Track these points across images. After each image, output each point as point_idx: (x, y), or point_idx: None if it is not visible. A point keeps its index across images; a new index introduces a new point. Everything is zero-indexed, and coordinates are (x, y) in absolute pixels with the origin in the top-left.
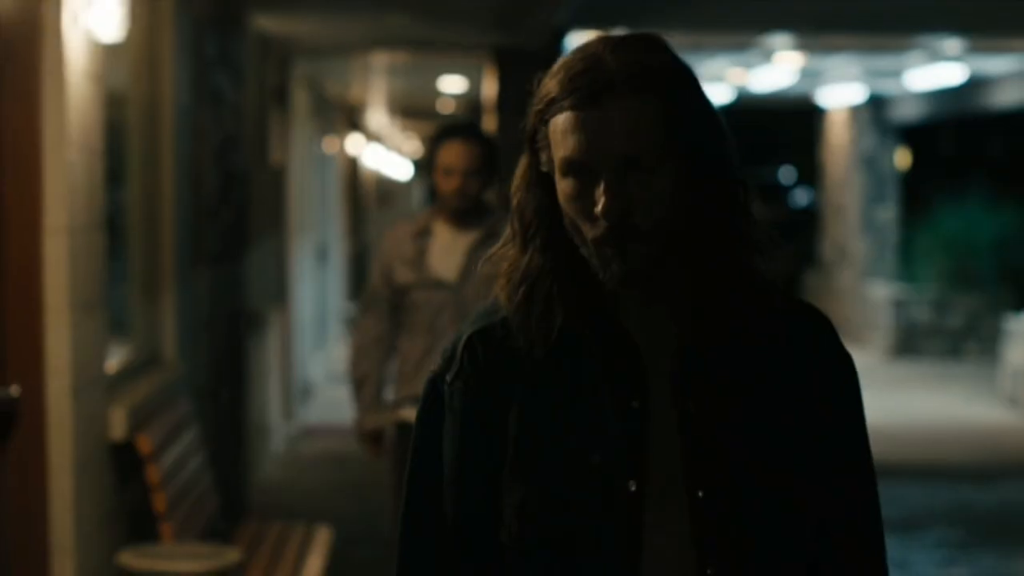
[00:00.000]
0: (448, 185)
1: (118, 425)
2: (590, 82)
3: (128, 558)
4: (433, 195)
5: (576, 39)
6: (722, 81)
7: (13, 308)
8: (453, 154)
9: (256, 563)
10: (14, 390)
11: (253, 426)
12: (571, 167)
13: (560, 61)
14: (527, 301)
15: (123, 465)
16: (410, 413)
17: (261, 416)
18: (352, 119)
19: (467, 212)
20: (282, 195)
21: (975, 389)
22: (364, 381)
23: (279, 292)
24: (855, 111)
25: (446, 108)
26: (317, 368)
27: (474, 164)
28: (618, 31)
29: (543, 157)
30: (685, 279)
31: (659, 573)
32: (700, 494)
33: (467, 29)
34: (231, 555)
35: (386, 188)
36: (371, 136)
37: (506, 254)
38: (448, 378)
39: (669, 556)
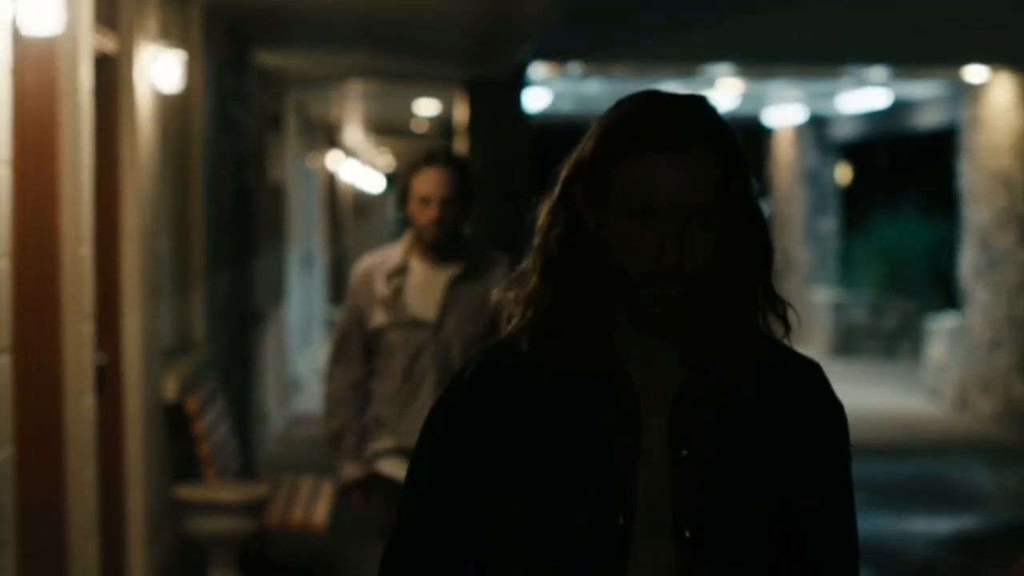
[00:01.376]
0: (425, 216)
1: (171, 389)
2: (671, 132)
3: (183, 490)
4: (403, 227)
5: (537, 70)
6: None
7: (100, 295)
8: (430, 182)
9: (275, 504)
10: (100, 358)
11: (258, 408)
12: (643, 208)
13: (629, 109)
14: (538, 335)
15: (173, 422)
16: (391, 467)
17: (262, 402)
18: (331, 137)
19: (445, 245)
20: (280, 208)
21: (903, 384)
22: (343, 432)
23: (277, 294)
24: (799, 130)
25: (419, 128)
26: (304, 364)
27: (452, 192)
28: (575, 64)
29: (602, 194)
30: (692, 325)
31: None
32: (687, 534)
33: (439, 63)
34: (260, 490)
35: (362, 201)
36: (348, 152)
37: (522, 287)
38: (453, 409)
39: None
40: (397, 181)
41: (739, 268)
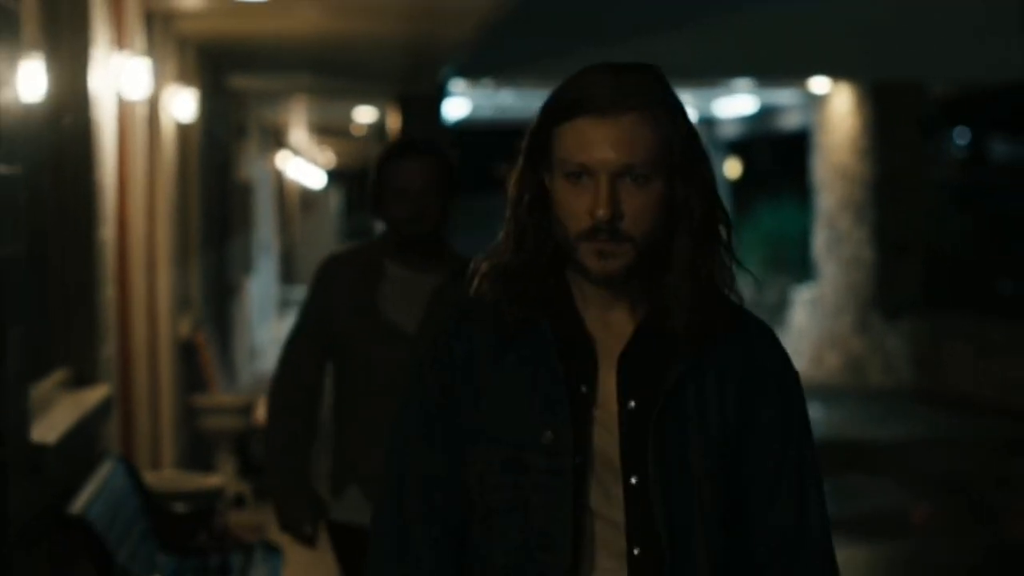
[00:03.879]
0: (401, 210)
1: (185, 328)
2: (602, 94)
3: (196, 399)
4: (364, 231)
5: (457, 85)
6: None
7: (144, 264)
8: (405, 172)
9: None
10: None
11: (233, 361)
12: (575, 169)
13: (571, 78)
14: (509, 288)
15: (186, 351)
16: (359, 515)
17: (236, 357)
18: (279, 139)
19: (426, 246)
20: (248, 202)
21: None
22: (290, 447)
23: (245, 270)
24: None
25: (358, 132)
26: (263, 335)
27: (431, 182)
28: (487, 79)
29: (544, 160)
30: (651, 286)
31: (597, 543)
32: (632, 481)
33: (373, 82)
34: (248, 398)
35: (308, 196)
36: (294, 151)
37: (497, 250)
38: (428, 357)
39: (606, 529)
40: (368, 174)
41: (689, 229)
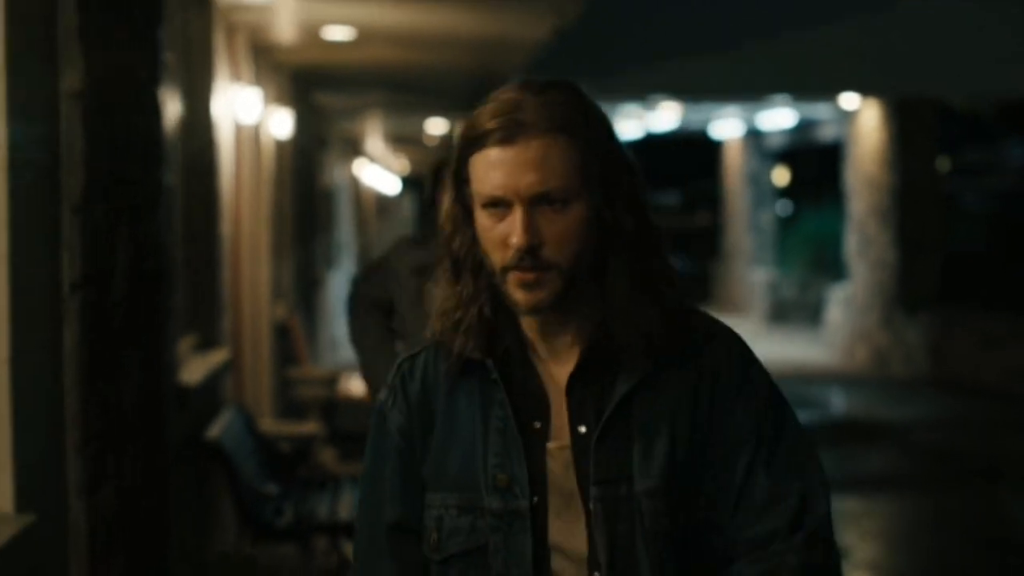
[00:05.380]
0: None
1: (280, 311)
2: (507, 122)
3: (291, 371)
4: (425, 224)
5: None
6: (633, 120)
7: (250, 256)
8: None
9: (341, 383)
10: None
11: (318, 347)
12: (489, 200)
13: (481, 106)
14: (454, 328)
15: (280, 332)
16: None
17: (320, 344)
18: (357, 148)
19: None
20: (331, 206)
21: (817, 342)
22: (378, 344)
23: (328, 266)
24: (742, 141)
25: (430, 141)
26: (341, 328)
27: None
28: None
29: (466, 192)
30: (594, 307)
31: None
32: (591, 508)
33: (443, 98)
34: (334, 371)
35: (384, 201)
36: (370, 159)
37: (442, 286)
38: (388, 403)
39: (568, 564)
40: (428, 174)
41: (621, 248)
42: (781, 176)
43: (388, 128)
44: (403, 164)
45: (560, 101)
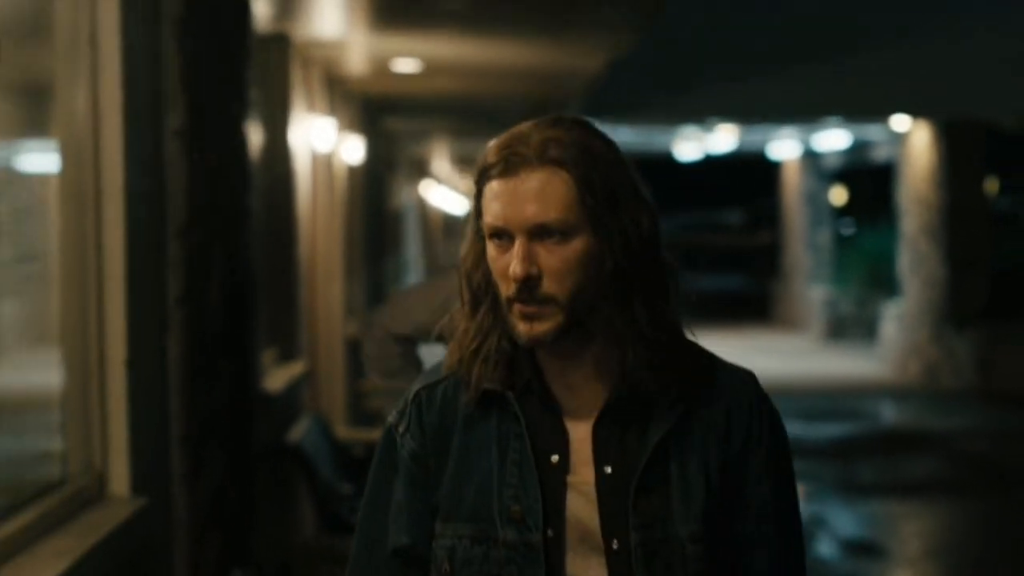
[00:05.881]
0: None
1: (352, 328)
2: (510, 155)
3: (361, 383)
4: None
5: None
6: (693, 142)
7: (324, 275)
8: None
9: None
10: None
11: None
12: (493, 231)
13: (494, 140)
14: (472, 360)
15: (352, 348)
16: None
17: None
18: (423, 170)
19: None
20: (399, 226)
21: (872, 357)
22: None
23: (397, 284)
24: (800, 161)
25: None
26: None
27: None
28: (607, 117)
29: (481, 224)
30: (613, 346)
31: None
32: (614, 547)
33: (505, 122)
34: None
35: (450, 221)
36: (437, 181)
37: (460, 317)
38: (400, 429)
39: None
40: None
41: (628, 286)
42: (839, 195)
43: (454, 150)
44: (469, 185)
45: (564, 136)
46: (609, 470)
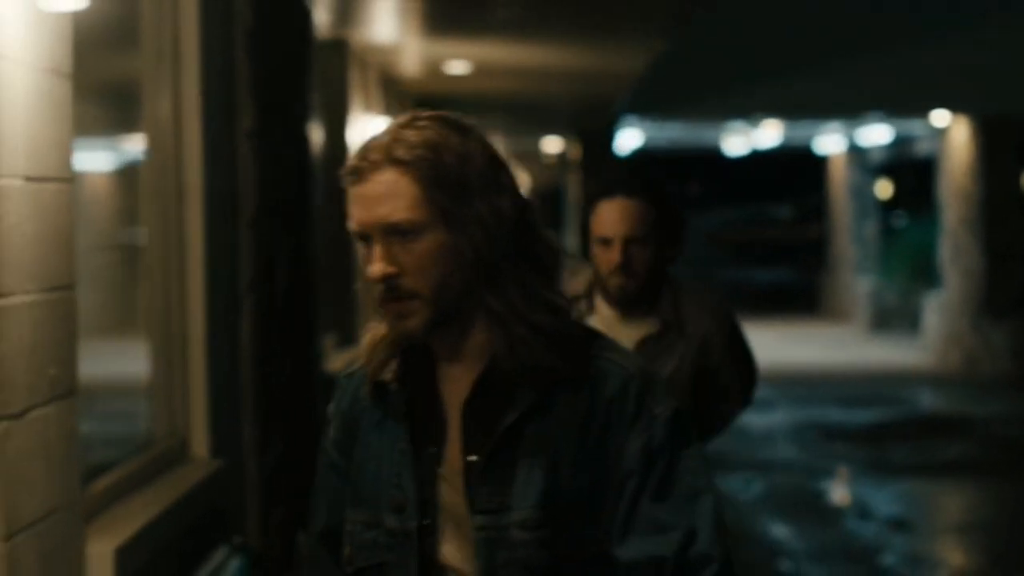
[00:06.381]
0: (607, 260)
1: None
2: (360, 160)
3: None
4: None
5: (630, 120)
6: (740, 136)
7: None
8: (612, 216)
9: None
10: None
11: None
12: (355, 235)
13: None
14: (371, 351)
15: None
16: None
17: None
18: None
19: (635, 301)
20: None
21: (915, 347)
22: None
23: None
24: (846, 156)
25: (547, 159)
26: None
27: (641, 229)
28: (654, 115)
29: None
30: (484, 335)
31: None
32: (481, 534)
33: (556, 119)
34: None
35: None
36: None
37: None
38: (328, 415)
39: None
40: (560, 195)
41: (488, 274)
42: (884, 189)
43: (507, 146)
44: (523, 179)
45: (412, 136)
46: (474, 457)
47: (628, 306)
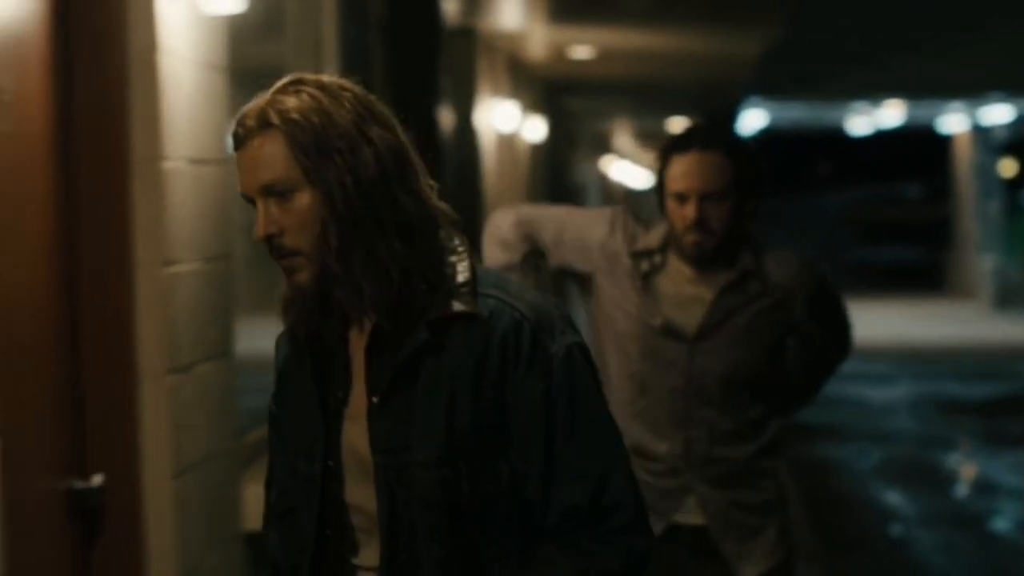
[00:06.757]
0: (681, 216)
1: None
2: (239, 126)
3: None
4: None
5: (754, 100)
6: (863, 116)
7: None
8: (687, 170)
9: None
10: None
11: None
12: (244, 199)
13: None
14: (289, 305)
15: None
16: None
17: None
18: (604, 146)
19: (713, 259)
20: (580, 200)
21: None
22: None
23: None
24: (970, 134)
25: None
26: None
27: (718, 184)
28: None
29: None
30: (376, 278)
31: (360, 538)
32: (382, 477)
33: (681, 99)
34: None
35: (632, 195)
36: (618, 156)
37: None
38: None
39: (368, 523)
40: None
41: (378, 222)
42: (1008, 168)
43: (634, 126)
44: (650, 159)
45: (283, 100)
46: (375, 401)
47: (704, 264)
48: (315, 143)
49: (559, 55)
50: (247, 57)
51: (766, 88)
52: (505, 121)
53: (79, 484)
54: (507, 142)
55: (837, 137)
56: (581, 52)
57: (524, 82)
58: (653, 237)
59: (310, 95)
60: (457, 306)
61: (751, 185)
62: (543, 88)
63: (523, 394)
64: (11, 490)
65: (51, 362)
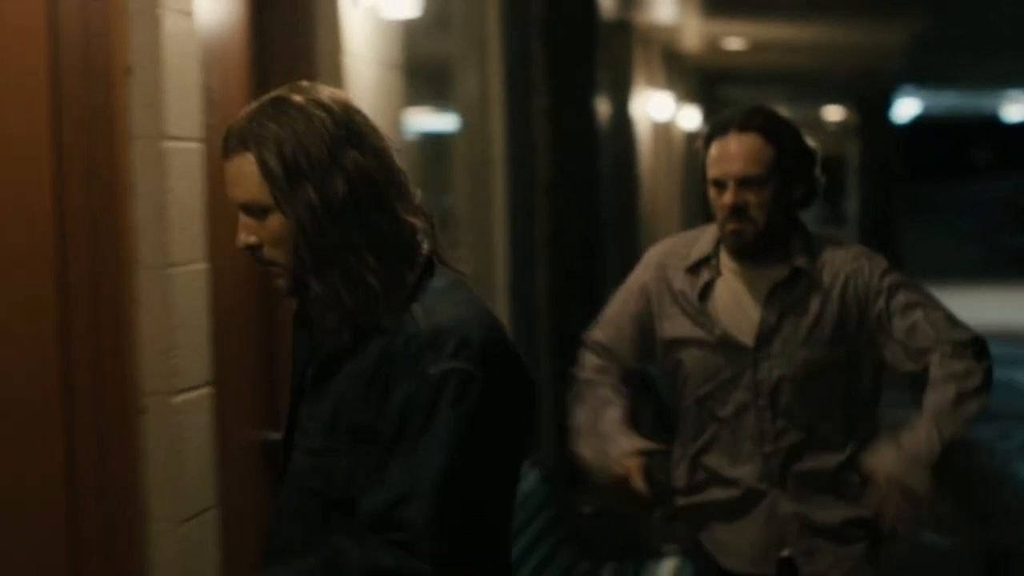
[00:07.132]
0: (720, 204)
1: None
2: (223, 140)
3: None
4: (835, 217)
5: (907, 89)
6: (1019, 103)
7: (665, 230)
8: (723, 154)
9: None
10: None
11: None
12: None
13: None
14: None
15: None
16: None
17: None
18: None
19: (756, 250)
20: None
21: None
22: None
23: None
24: None
25: (828, 127)
26: None
27: (757, 168)
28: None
29: None
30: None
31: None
32: (295, 452)
33: (835, 93)
34: None
35: None
36: None
37: None
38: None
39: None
40: (841, 163)
41: (348, 241)
42: None
43: (790, 114)
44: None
45: (259, 119)
46: (305, 387)
47: (749, 256)
48: (285, 172)
49: (713, 46)
50: (419, 55)
51: (919, 77)
52: (660, 110)
53: (272, 436)
54: (662, 131)
55: (992, 124)
56: (734, 44)
57: (678, 73)
58: (705, 243)
59: (289, 119)
60: (384, 319)
61: (796, 170)
62: (697, 79)
63: (391, 403)
64: (222, 439)
65: (254, 324)
